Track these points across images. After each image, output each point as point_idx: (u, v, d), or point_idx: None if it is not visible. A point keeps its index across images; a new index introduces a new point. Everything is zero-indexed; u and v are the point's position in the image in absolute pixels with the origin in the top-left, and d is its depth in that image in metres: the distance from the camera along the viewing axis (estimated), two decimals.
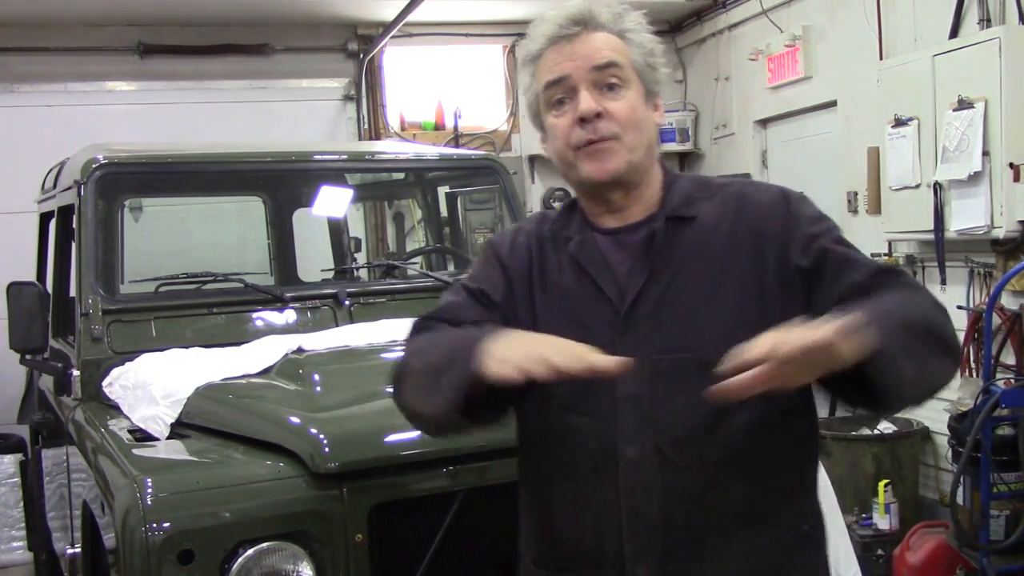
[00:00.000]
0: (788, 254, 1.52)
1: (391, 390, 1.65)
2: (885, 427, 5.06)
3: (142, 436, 2.66)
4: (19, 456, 4.86)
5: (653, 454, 1.50)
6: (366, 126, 7.13)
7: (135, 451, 2.51)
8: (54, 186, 3.96)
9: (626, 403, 1.51)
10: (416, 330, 1.65)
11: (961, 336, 4.69)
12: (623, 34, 1.57)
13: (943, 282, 4.89)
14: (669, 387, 1.50)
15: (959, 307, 4.77)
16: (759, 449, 1.51)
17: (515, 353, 1.37)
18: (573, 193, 1.69)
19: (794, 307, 1.46)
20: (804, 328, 1.25)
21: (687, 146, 7.41)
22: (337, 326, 3.29)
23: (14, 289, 3.44)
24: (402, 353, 1.63)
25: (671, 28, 7.54)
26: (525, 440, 1.67)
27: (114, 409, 2.93)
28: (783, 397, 1.36)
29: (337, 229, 4.80)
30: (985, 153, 4.37)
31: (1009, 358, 4.43)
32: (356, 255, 4.94)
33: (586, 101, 1.52)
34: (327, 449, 2.21)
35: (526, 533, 1.69)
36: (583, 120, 1.53)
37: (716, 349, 1.36)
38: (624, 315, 1.53)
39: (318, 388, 2.62)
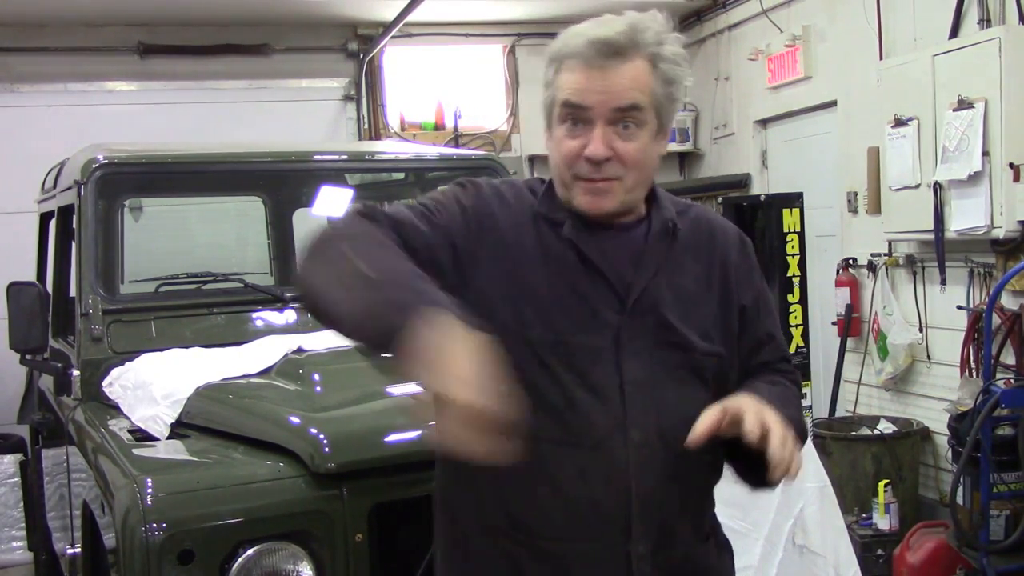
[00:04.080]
0: (743, 292, 1.72)
1: (300, 259, 1.51)
2: (885, 427, 5.06)
3: (142, 436, 2.66)
4: (19, 456, 4.86)
5: (656, 438, 1.58)
6: (366, 126, 7.13)
7: (135, 451, 2.52)
8: (54, 186, 3.96)
9: (632, 387, 1.57)
10: (363, 217, 1.54)
11: (961, 336, 4.70)
12: (656, 61, 1.57)
13: (943, 282, 4.89)
14: (666, 376, 1.60)
15: (959, 307, 4.78)
16: (713, 440, 1.63)
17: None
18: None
19: (737, 325, 1.70)
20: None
21: (687, 146, 7.41)
22: None
23: (14, 289, 3.44)
24: (339, 229, 1.52)
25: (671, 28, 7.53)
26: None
27: (114, 409, 2.93)
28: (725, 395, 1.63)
29: None
30: (985, 153, 4.37)
31: (1009, 358, 4.42)
32: None
33: (597, 143, 1.54)
34: (327, 449, 2.21)
35: (489, 498, 1.60)
36: (589, 159, 1.55)
37: (699, 346, 1.62)
38: (630, 305, 1.60)
39: (318, 388, 2.62)
